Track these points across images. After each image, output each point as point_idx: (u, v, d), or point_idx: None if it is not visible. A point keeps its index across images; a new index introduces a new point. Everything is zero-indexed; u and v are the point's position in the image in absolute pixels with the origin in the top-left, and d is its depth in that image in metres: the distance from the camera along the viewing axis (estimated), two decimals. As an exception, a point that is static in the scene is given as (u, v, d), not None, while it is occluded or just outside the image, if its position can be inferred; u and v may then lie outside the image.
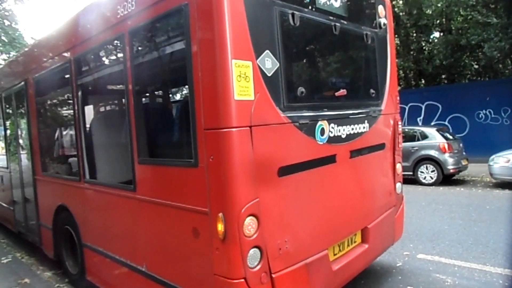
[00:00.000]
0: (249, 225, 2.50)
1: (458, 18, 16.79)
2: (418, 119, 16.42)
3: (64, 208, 4.76)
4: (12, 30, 14.62)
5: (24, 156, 6.15)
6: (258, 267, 2.58)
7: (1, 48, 14.15)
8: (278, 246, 2.73)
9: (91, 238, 4.30)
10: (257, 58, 2.58)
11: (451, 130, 13.22)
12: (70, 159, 4.94)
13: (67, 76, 4.45)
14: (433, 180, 10.93)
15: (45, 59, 5.06)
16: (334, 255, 3.38)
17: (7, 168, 6.91)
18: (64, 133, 5.33)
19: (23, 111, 5.98)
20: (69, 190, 4.67)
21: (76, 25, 4.31)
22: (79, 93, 4.25)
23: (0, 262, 5.82)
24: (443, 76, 19.01)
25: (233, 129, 2.42)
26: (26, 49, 6.66)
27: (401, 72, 18.49)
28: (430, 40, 19.05)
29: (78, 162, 4.32)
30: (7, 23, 14.55)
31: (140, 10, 3.10)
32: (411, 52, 18.48)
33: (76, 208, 4.54)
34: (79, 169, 4.30)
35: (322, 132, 3.14)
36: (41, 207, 5.56)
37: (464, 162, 11.23)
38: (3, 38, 14.37)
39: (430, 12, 17.06)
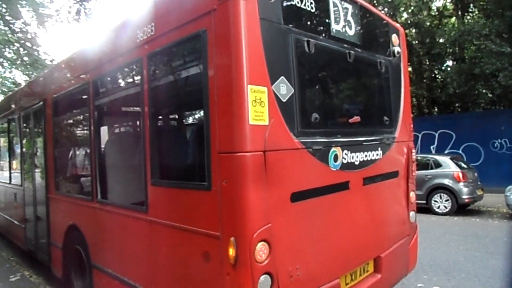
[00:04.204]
0: (261, 250, 2.47)
1: (471, 47, 16.84)
2: (432, 147, 16.26)
3: (75, 227, 4.77)
4: (35, 52, 15.12)
5: (38, 174, 6.23)
6: (269, 294, 2.52)
7: (23, 69, 14.62)
8: (290, 273, 2.68)
9: (100, 259, 4.28)
10: (272, 84, 2.62)
11: (465, 159, 13.02)
12: (84, 179, 4.99)
13: (84, 97, 4.56)
14: (447, 210, 10.70)
15: (64, 81, 5.21)
16: (346, 284, 3.29)
17: (20, 185, 7.00)
18: (79, 153, 5.40)
19: (40, 130, 6.11)
20: (81, 209, 4.69)
21: (95, 48, 4.45)
22: (96, 114, 4.34)
23: (8, 280, 5.82)
24: (457, 105, 18.93)
25: (247, 154, 2.42)
26: (46, 71, 6.86)
27: (414, 99, 18.46)
28: (443, 69, 19.08)
29: (92, 182, 4.36)
30: (29, 45, 15.06)
31: (159, 35, 3.19)
32: (424, 80, 18.51)
33: (87, 228, 4.55)
34: (92, 189, 4.33)
35: (336, 158, 3.13)
36: (53, 226, 5.58)
37: (479, 192, 11.00)
38: (26, 59, 14.85)
39: (443, 41, 17.16)
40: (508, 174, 11.96)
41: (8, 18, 14.10)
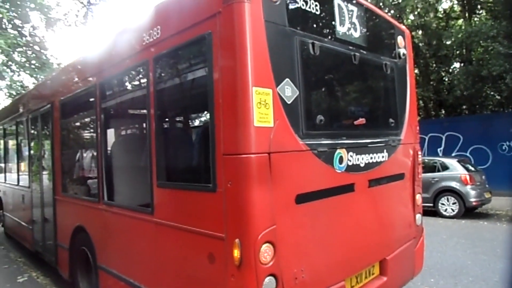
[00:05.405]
0: (266, 252, 2.47)
1: (479, 49, 16.70)
2: (439, 149, 16.11)
3: (82, 229, 4.80)
4: (42, 56, 15.29)
5: (45, 176, 6.29)
6: (274, 296, 2.52)
7: (31, 72, 14.78)
8: (294, 275, 2.68)
9: (106, 260, 4.30)
10: (277, 86, 2.63)
11: (472, 162, 12.90)
12: (90, 181, 5.03)
13: (91, 100, 4.60)
14: (454, 213, 10.60)
15: (71, 84, 5.26)
16: (352, 287, 3.28)
17: (28, 187, 7.07)
18: (85, 155, 5.45)
19: (47, 132, 6.18)
20: (87, 211, 4.72)
21: (102, 51, 4.50)
22: (102, 117, 4.37)
23: (16, 281, 5.87)
24: (464, 107, 18.75)
25: (252, 155, 2.43)
26: (54, 74, 6.93)
27: (421, 102, 18.34)
28: (450, 71, 18.94)
29: (98, 184, 4.39)
30: (37, 48, 15.23)
31: (165, 38, 3.22)
32: (431, 82, 18.37)
33: (93, 229, 4.58)
34: (99, 191, 4.36)
35: (341, 160, 3.12)
36: (59, 227, 5.63)
37: (487, 195, 10.87)
38: (34, 62, 15.02)
39: (450, 43, 17.03)
40: (517, 177, 11.83)
41: (17, 22, 14.28)
